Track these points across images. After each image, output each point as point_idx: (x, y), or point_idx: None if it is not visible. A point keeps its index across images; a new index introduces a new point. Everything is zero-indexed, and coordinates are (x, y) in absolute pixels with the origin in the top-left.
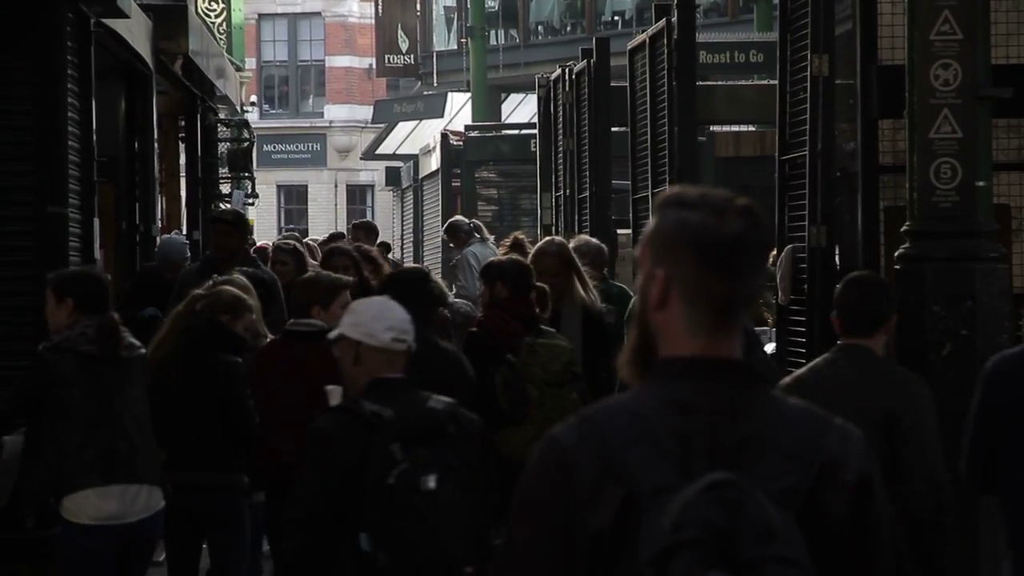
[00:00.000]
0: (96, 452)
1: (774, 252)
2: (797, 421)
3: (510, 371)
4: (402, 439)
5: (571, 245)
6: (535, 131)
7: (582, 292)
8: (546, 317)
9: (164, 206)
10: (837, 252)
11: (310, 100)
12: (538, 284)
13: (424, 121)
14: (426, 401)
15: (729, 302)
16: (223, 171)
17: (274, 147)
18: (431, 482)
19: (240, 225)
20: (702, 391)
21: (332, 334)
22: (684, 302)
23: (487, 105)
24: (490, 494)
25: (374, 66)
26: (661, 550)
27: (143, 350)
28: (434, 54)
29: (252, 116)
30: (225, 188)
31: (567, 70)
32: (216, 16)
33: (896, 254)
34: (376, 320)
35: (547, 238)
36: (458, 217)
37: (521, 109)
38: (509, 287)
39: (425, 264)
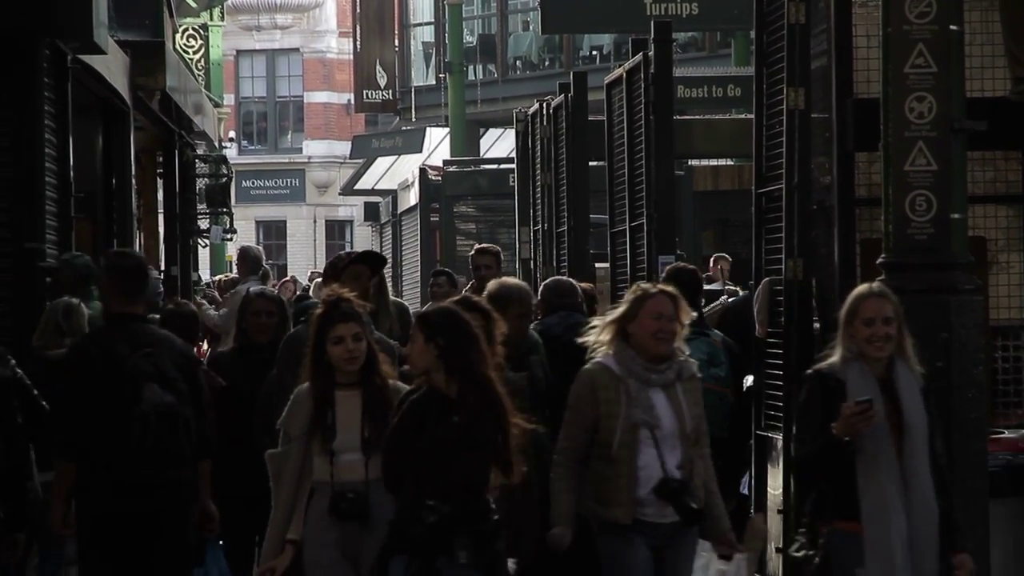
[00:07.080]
0: None
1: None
2: None
3: None
4: None
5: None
6: (513, 166)
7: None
8: None
9: (142, 242)
10: (814, 285)
11: (288, 136)
12: None
13: (403, 156)
14: None
15: None
16: (201, 207)
17: (252, 183)
18: None
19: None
20: None
21: None
22: None
23: (465, 140)
24: None
25: (352, 102)
26: None
27: None
28: (412, 89)
29: (230, 152)
30: (203, 224)
31: (544, 104)
32: (194, 52)
33: None
34: None
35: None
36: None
37: (499, 144)
38: None
39: (404, 298)
